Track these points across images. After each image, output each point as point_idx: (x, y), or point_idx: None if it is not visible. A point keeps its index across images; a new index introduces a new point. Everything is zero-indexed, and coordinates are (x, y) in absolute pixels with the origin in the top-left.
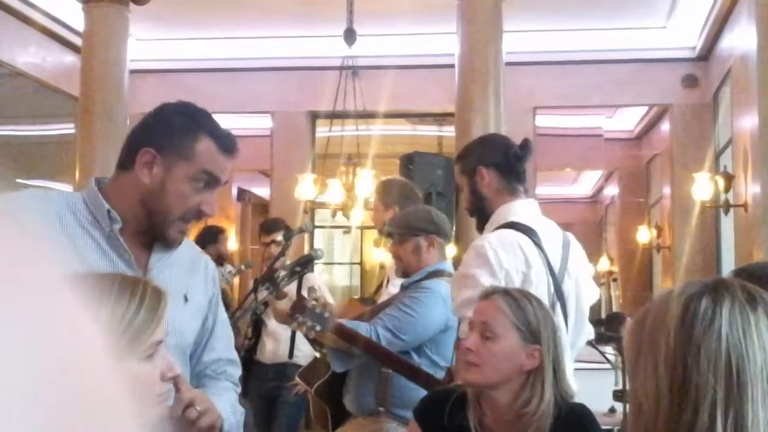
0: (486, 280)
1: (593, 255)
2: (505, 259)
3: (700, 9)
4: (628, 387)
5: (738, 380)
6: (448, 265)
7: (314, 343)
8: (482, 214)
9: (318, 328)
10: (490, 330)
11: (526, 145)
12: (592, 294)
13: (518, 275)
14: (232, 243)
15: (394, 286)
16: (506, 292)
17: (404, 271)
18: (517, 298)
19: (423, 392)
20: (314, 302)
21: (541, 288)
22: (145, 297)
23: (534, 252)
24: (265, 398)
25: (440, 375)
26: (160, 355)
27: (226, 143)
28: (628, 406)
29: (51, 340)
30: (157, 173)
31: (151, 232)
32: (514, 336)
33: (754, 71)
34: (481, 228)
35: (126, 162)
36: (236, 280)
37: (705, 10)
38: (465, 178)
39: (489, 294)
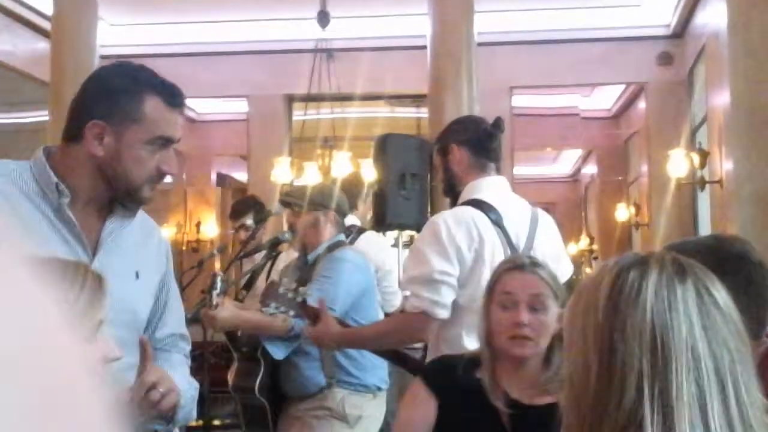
0: (434, 259)
1: (574, 234)
2: (458, 235)
3: None
4: None
5: (662, 352)
6: (342, 237)
7: (232, 341)
8: (453, 192)
9: (291, 313)
10: (541, 302)
11: (497, 123)
12: (564, 270)
13: (470, 252)
14: (212, 228)
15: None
16: (534, 263)
17: (301, 245)
18: (546, 266)
19: (370, 358)
20: (285, 288)
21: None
22: (86, 283)
23: (489, 229)
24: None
25: None
26: (100, 338)
27: (173, 97)
28: None
29: (13, 320)
30: (109, 143)
31: (108, 202)
32: (554, 304)
33: (726, 48)
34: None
35: (73, 134)
36: (218, 264)
37: None
38: (440, 157)
39: (522, 266)
